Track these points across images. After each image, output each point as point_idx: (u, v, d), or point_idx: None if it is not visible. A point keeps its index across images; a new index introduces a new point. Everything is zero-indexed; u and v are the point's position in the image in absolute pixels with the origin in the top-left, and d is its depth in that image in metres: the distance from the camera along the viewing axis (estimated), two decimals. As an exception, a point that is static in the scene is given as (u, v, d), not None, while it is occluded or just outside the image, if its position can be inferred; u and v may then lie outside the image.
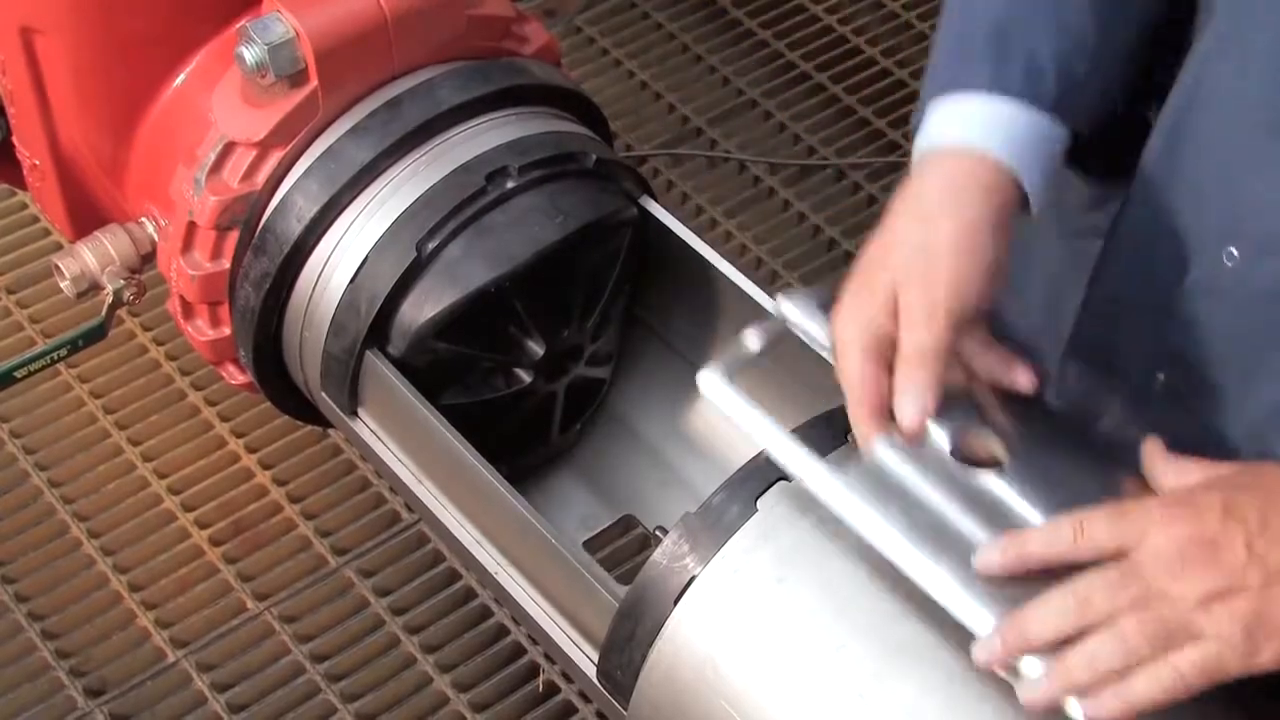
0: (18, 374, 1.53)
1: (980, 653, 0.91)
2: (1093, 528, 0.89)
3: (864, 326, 0.99)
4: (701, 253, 1.32)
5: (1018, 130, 1.01)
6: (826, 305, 1.05)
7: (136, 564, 1.87)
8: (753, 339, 1.06)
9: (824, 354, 1.05)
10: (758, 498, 1.06)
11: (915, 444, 0.98)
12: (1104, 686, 0.87)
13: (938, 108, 1.04)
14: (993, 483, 0.98)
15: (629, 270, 1.37)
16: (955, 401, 1.00)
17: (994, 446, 1.00)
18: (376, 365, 1.27)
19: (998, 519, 0.96)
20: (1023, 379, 1.01)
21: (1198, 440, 1.05)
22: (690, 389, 1.44)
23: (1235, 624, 0.84)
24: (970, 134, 1.01)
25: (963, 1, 1.07)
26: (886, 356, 0.99)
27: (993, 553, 0.92)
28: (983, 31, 1.03)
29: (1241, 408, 1.04)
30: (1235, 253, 0.99)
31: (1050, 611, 0.88)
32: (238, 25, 1.28)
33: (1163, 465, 0.95)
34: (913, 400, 0.97)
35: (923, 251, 0.98)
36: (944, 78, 1.05)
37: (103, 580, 1.85)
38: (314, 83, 1.28)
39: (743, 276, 1.30)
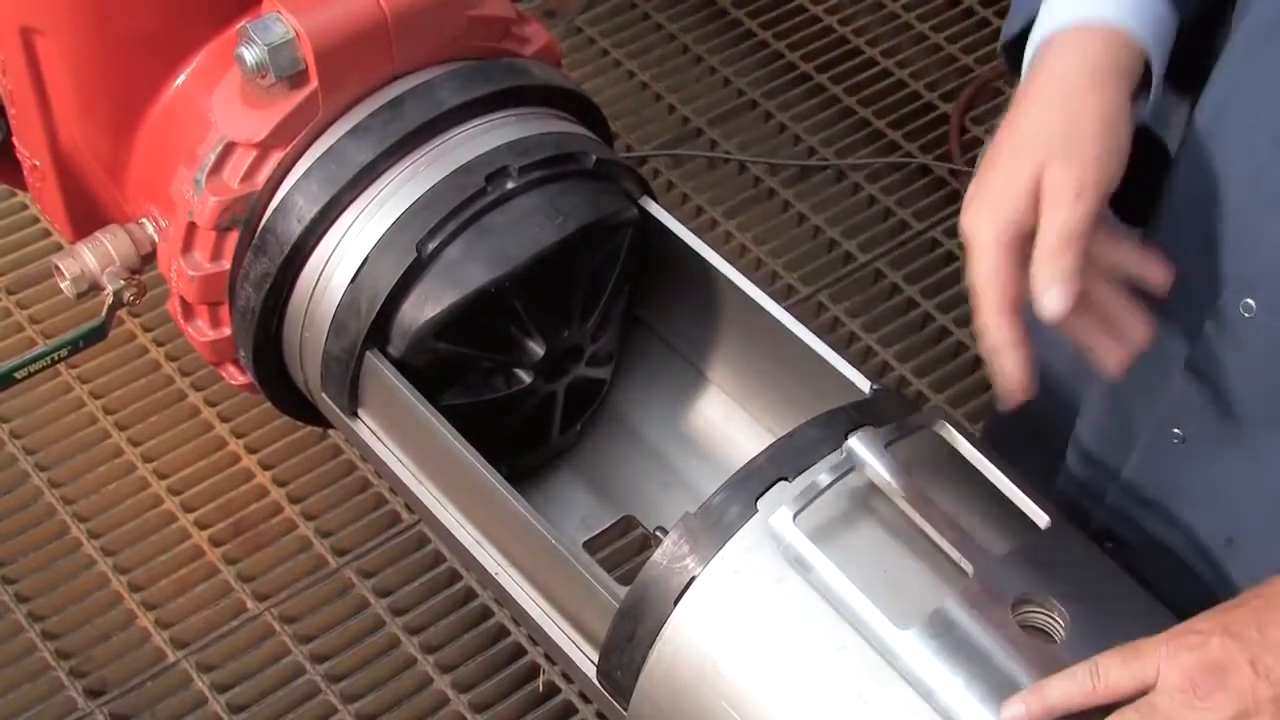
0: (18, 374, 1.53)
1: None
2: (1107, 670, 0.90)
3: (1005, 219, 0.93)
4: (701, 253, 1.32)
5: (1149, 9, 0.97)
6: (892, 444, 1.06)
7: (137, 564, 1.87)
8: (823, 475, 1.05)
9: (894, 497, 1.05)
10: (758, 498, 1.06)
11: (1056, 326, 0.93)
12: None
13: None
14: (1049, 654, 0.98)
15: (629, 271, 1.37)
16: (1016, 568, 1.00)
17: (1054, 619, 1.00)
18: (377, 365, 1.27)
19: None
20: (1157, 273, 0.96)
21: (1210, 498, 1.05)
22: (690, 389, 1.45)
23: None
24: (1107, 10, 0.96)
25: None
26: (1025, 252, 0.93)
27: (1017, 707, 0.93)
28: None
29: (1258, 465, 1.02)
30: (1253, 304, 0.96)
31: None
32: (238, 26, 1.28)
33: None
34: (1060, 288, 0.91)
35: (1068, 130, 0.93)
36: None
37: (103, 581, 1.85)
38: (314, 83, 1.28)
39: (743, 277, 1.30)
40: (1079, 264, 0.91)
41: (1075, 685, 0.90)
